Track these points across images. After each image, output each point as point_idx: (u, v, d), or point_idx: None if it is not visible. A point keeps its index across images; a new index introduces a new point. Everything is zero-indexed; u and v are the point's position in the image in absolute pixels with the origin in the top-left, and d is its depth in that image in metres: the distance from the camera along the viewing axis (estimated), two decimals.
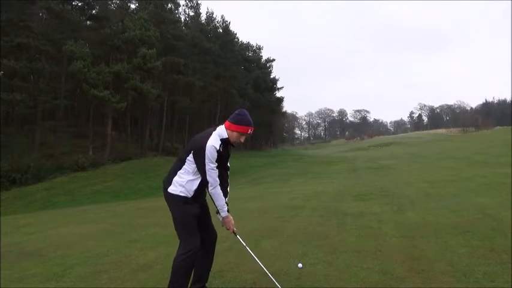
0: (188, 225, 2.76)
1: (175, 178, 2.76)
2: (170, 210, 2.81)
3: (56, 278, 3.76)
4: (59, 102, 29.64)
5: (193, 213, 2.76)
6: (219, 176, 2.75)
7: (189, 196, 2.74)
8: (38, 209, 18.70)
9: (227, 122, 2.77)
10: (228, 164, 2.95)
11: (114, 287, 3.38)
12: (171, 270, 2.76)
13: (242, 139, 2.79)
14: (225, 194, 2.86)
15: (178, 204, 2.74)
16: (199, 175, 2.73)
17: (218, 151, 2.67)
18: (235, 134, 2.74)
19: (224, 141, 2.73)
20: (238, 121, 2.73)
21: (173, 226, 2.85)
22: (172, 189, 2.75)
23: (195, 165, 2.72)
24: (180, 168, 2.77)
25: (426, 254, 3.74)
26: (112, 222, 8.07)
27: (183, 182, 2.73)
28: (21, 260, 4.74)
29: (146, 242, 5.32)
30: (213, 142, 2.67)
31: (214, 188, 2.71)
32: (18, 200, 21.54)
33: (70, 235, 6.53)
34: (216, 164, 2.68)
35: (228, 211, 2.82)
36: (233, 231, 2.90)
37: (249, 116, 2.76)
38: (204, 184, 2.74)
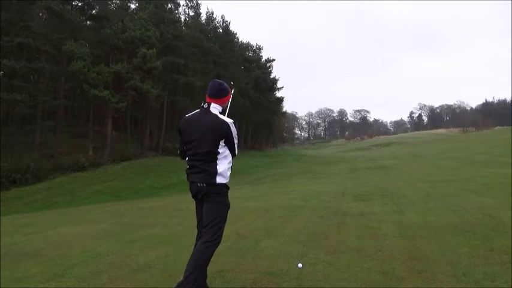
0: (227, 215, 2.95)
1: (218, 169, 2.84)
2: (215, 201, 2.86)
3: (56, 278, 3.76)
4: (59, 102, 29.62)
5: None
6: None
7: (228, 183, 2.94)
8: (38, 209, 18.70)
9: (217, 100, 2.96)
10: None
11: (114, 287, 3.37)
12: (192, 261, 2.75)
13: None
14: None
15: (227, 193, 2.92)
16: (229, 158, 2.91)
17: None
18: (227, 103, 3.08)
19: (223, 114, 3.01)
20: (226, 91, 3.02)
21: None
22: (220, 180, 2.84)
23: (225, 149, 2.88)
24: (214, 159, 2.84)
25: (426, 254, 3.74)
26: (112, 222, 8.06)
27: (225, 170, 2.87)
28: (21, 260, 4.74)
29: (146, 242, 5.32)
30: (226, 119, 2.90)
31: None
32: (18, 200, 21.52)
33: (70, 235, 6.52)
34: None
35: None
36: None
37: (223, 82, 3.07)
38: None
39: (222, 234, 2.88)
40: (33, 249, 5.42)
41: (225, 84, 3.01)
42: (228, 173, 2.90)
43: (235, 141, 2.90)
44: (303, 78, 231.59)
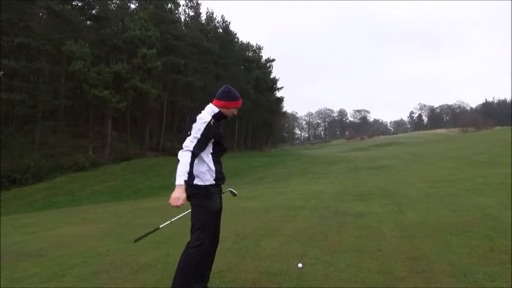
0: (212, 219, 2.77)
1: (194, 170, 2.71)
2: (194, 204, 2.74)
3: (56, 278, 3.76)
4: (59, 102, 29.64)
5: (217, 207, 2.77)
6: (219, 156, 2.82)
7: (214, 184, 2.76)
8: (38, 209, 18.70)
9: (219, 101, 2.84)
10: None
11: (114, 287, 3.38)
12: (177, 268, 2.69)
13: (236, 112, 2.92)
14: (222, 178, 2.85)
15: (208, 196, 2.71)
16: (210, 158, 2.76)
17: (208, 124, 2.69)
18: (232, 109, 2.88)
19: (216, 116, 2.79)
20: (233, 98, 2.86)
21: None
22: (197, 181, 2.70)
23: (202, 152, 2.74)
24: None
25: (426, 254, 3.74)
26: (112, 222, 8.07)
27: (202, 172, 2.74)
28: (21, 260, 4.74)
29: (146, 242, 5.30)
30: (204, 116, 2.73)
31: (183, 151, 2.61)
32: (18, 200, 21.53)
33: (70, 235, 6.53)
34: (199, 137, 2.64)
35: (185, 182, 2.56)
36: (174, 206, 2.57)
37: (236, 91, 2.91)
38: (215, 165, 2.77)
39: (207, 238, 2.69)
40: (33, 249, 5.42)
41: (234, 92, 2.88)
42: (207, 176, 2.72)
43: (194, 130, 2.64)
44: (303, 78, 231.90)
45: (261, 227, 5.77)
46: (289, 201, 8.98)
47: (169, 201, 2.59)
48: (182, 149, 2.63)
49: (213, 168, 2.76)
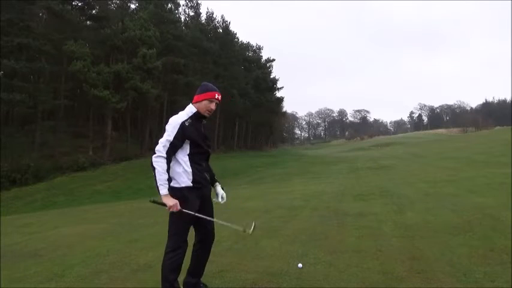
0: (188, 223, 2.75)
1: (170, 171, 2.67)
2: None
3: (56, 278, 3.76)
4: (59, 102, 29.65)
5: (193, 211, 2.71)
6: (199, 158, 2.76)
7: (191, 186, 2.70)
8: (38, 209, 18.70)
9: (195, 97, 2.79)
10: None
11: (114, 287, 3.38)
12: (161, 274, 2.70)
13: (212, 106, 2.77)
14: (212, 180, 2.85)
15: (183, 200, 2.66)
16: (186, 159, 2.70)
17: (182, 125, 2.63)
18: (204, 102, 2.74)
19: (194, 116, 2.73)
20: (203, 90, 2.77)
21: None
22: (173, 184, 2.67)
23: (180, 149, 2.68)
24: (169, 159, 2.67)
25: (426, 254, 3.73)
26: (112, 222, 8.07)
27: (178, 173, 2.71)
28: (21, 260, 4.74)
29: (146, 242, 5.32)
30: (178, 116, 2.68)
31: (157, 157, 2.55)
32: (18, 200, 21.53)
33: (70, 235, 6.53)
34: (172, 139, 2.59)
35: (168, 190, 2.58)
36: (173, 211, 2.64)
37: (212, 84, 2.82)
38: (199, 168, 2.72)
39: (184, 241, 2.71)
40: (33, 249, 5.42)
41: (208, 84, 2.82)
42: (183, 178, 2.66)
43: (165, 134, 2.61)
44: (303, 78, 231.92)
45: (261, 227, 5.76)
46: (289, 201, 8.97)
47: (169, 209, 2.62)
48: (155, 153, 2.57)
49: (189, 170, 2.68)
